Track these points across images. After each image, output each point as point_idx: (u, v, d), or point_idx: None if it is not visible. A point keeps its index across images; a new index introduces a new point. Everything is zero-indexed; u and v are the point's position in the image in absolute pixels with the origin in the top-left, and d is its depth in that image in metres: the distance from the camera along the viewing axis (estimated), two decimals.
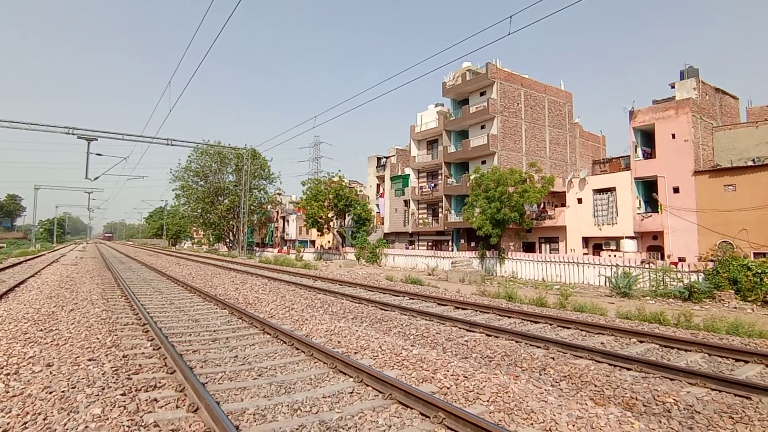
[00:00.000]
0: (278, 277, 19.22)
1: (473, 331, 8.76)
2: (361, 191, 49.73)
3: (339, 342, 7.59)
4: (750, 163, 21.94)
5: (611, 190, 26.16)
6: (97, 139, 29.23)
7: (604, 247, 26.01)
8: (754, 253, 19.69)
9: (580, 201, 27.58)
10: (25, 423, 4.15)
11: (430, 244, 39.20)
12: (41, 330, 8.11)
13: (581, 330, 9.05)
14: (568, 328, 9.27)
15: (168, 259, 32.88)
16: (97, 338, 7.48)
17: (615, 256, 22.93)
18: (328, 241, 49.98)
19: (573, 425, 4.28)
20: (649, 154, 25.66)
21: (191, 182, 54.81)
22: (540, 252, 29.04)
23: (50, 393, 4.88)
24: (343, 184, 43.16)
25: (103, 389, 5.02)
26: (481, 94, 35.31)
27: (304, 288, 15.68)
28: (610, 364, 6.53)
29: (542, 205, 29.93)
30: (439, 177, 38.22)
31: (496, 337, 8.32)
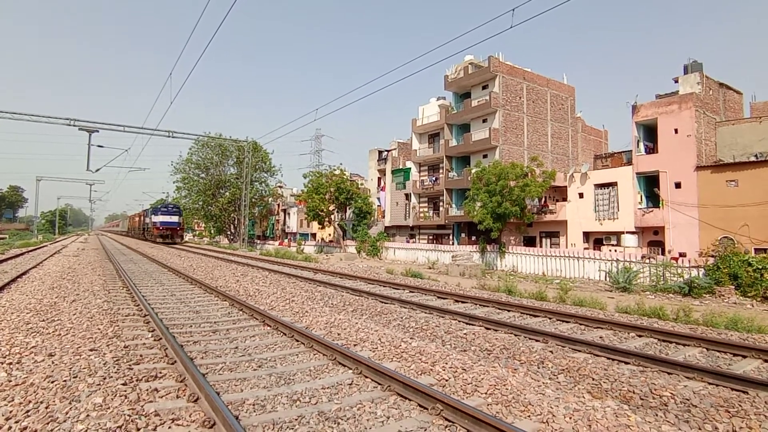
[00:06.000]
0: (279, 270, 19.27)
1: (472, 324, 8.79)
2: (362, 184, 49.67)
3: (339, 334, 7.63)
4: (752, 159, 21.85)
5: (613, 184, 26.11)
6: (98, 131, 29.20)
7: (604, 242, 26.01)
8: (755, 249, 19.68)
9: (581, 195, 27.54)
10: (28, 411, 4.19)
11: (430, 237, 39.24)
12: (43, 320, 8.16)
13: (580, 324, 9.08)
14: (567, 322, 9.30)
15: (169, 251, 32.96)
16: (99, 329, 7.53)
17: (615, 251, 22.93)
18: (329, 234, 50.05)
19: (570, 417, 4.32)
20: (652, 149, 25.57)
21: (192, 174, 54.71)
22: (541, 246, 29.05)
23: (52, 382, 4.92)
24: (345, 177, 43.11)
25: (105, 379, 5.07)
26: (483, 87, 35.13)
27: (305, 280, 15.72)
28: (609, 358, 6.56)
29: (543, 200, 29.90)
30: (441, 171, 38.17)
31: (496, 330, 8.35)
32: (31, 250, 31.87)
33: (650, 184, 25.12)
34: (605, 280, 19.70)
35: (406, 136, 44.05)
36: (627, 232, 24.63)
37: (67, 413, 4.16)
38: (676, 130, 23.87)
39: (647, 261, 19.14)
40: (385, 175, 45.59)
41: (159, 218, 45.81)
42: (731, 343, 7.31)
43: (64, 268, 18.60)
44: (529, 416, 4.37)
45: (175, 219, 47.05)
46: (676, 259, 18.72)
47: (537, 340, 7.57)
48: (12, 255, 26.08)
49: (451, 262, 26.64)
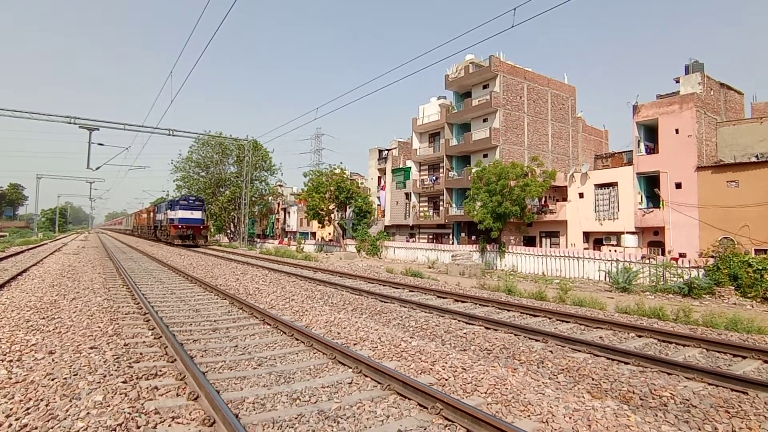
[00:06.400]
0: (279, 269, 19.27)
1: (472, 324, 8.79)
2: (362, 183, 49.67)
3: (338, 333, 7.63)
4: (753, 159, 21.84)
5: (613, 185, 26.10)
6: (98, 129, 29.26)
7: (604, 242, 26.01)
8: (755, 250, 19.69)
9: (581, 195, 27.53)
10: (28, 409, 4.19)
11: (430, 237, 39.24)
12: (43, 318, 8.16)
13: (580, 324, 9.08)
14: (567, 322, 9.30)
15: (169, 249, 32.94)
16: (99, 327, 7.53)
17: (615, 251, 22.93)
18: (329, 233, 50.04)
19: (570, 417, 4.32)
20: (652, 149, 25.56)
21: (192, 173, 54.77)
22: (540, 246, 29.06)
23: (52, 380, 4.92)
24: (345, 176, 43.10)
25: (105, 377, 5.07)
26: (484, 87, 35.11)
27: (305, 279, 15.72)
28: (608, 358, 6.56)
29: (543, 200, 29.90)
30: (441, 170, 38.15)
31: (495, 329, 8.35)
32: (31, 248, 31.87)
33: (651, 184, 25.11)
34: (605, 280, 19.70)
35: (407, 135, 44.04)
36: (627, 233, 24.63)
37: (67, 411, 4.16)
38: (676, 131, 23.86)
39: (647, 261, 19.14)
40: (385, 174, 45.58)
41: (178, 214, 36.70)
42: (731, 343, 7.31)
43: (64, 266, 18.60)
44: (528, 416, 4.38)
45: (198, 215, 37.69)
46: (676, 260, 18.72)
47: (537, 340, 7.57)
48: (12, 253, 26.09)
49: (450, 262, 26.66)
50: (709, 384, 5.53)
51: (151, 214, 49.66)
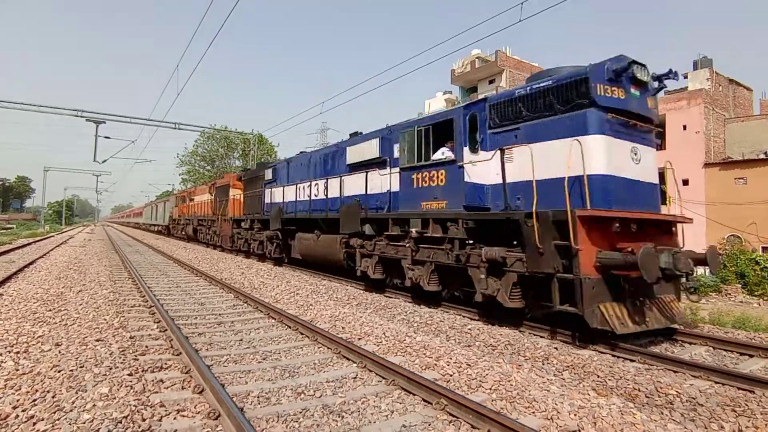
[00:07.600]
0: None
1: (477, 320, 8.77)
2: None
3: (343, 328, 7.63)
4: (762, 156, 21.59)
5: None
6: (105, 122, 29.33)
7: None
8: (763, 248, 19.52)
9: None
10: (35, 400, 4.23)
11: None
12: (50, 310, 8.23)
13: None
14: None
15: (175, 243, 33.10)
16: (105, 319, 7.58)
17: None
18: None
19: (575, 414, 4.30)
20: (659, 146, 25.33)
21: (198, 167, 55.00)
22: None
23: (59, 372, 4.96)
24: None
25: (111, 369, 5.10)
26: (490, 82, 34.91)
27: (309, 273, 15.74)
28: (614, 356, 6.53)
29: None
30: None
31: (500, 325, 8.32)
32: (37, 241, 32.14)
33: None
34: None
35: None
36: None
37: (73, 402, 4.19)
38: (684, 127, 23.61)
39: None
40: None
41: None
42: (738, 342, 7.26)
43: (70, 258, 18.74)
44: (533, 412, 4.36)
45: (653, 171, 8.23)
46: None
47: (542, 337, 7.54)
48: (19, 245, 26.32)
49: None
50: (716, 382, 5.48)
51: (245, 190, 21.05)
